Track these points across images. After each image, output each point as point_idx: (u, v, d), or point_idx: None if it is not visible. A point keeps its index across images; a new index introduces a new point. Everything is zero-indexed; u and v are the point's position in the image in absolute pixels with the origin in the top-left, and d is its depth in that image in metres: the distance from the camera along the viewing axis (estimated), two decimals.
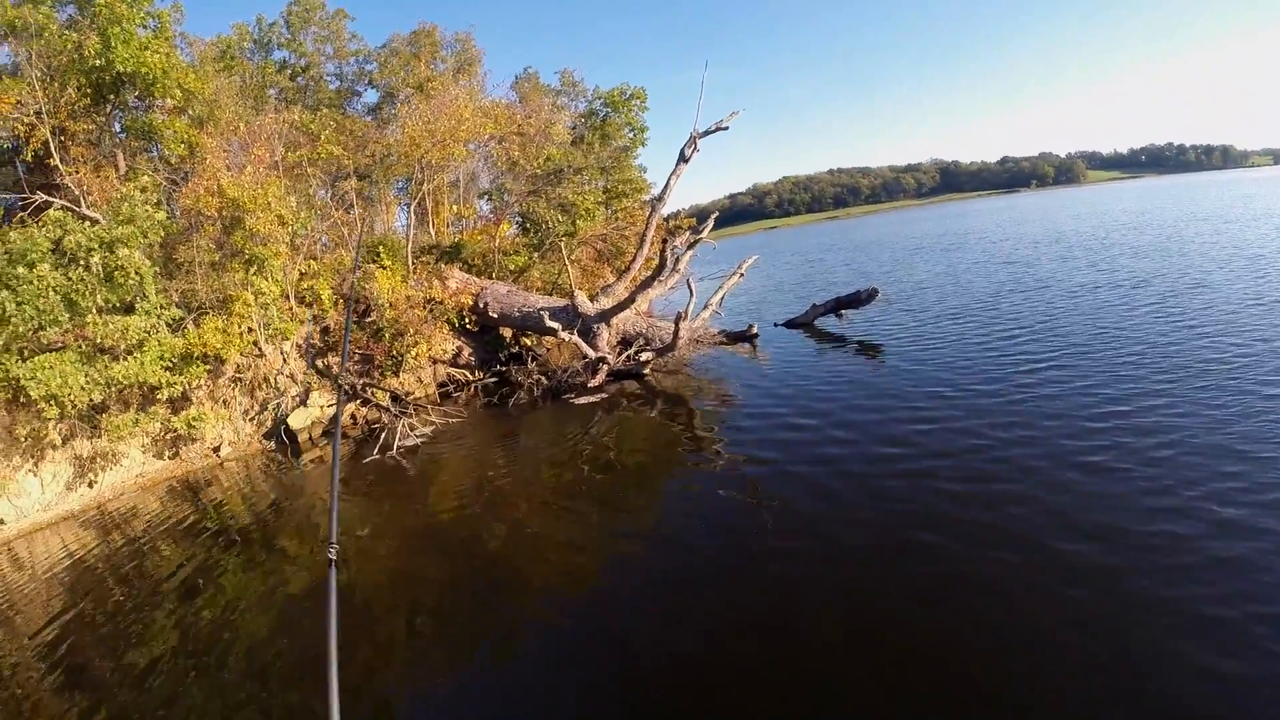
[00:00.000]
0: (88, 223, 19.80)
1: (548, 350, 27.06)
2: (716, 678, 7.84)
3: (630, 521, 12.54)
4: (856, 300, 25.11)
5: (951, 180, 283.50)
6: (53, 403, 17.71)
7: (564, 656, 8.77)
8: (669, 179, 25.90)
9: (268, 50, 41.13)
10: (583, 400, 20.73)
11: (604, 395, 21.03)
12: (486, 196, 41.52)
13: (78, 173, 22.65)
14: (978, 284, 31.39)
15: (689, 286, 23.61)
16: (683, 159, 25.46)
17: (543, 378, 22.57)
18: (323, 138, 29.39)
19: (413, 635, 9.97)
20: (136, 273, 19.32)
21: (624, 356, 23.03)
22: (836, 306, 25.72)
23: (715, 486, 13.15)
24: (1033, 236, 52.34)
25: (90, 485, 19.64)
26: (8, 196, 21.84)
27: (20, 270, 17.62)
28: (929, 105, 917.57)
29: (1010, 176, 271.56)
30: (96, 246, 18.75)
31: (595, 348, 22.63)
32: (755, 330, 25.08)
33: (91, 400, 18.59)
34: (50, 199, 21.73)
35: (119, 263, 18.93)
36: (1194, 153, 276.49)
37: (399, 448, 18.69)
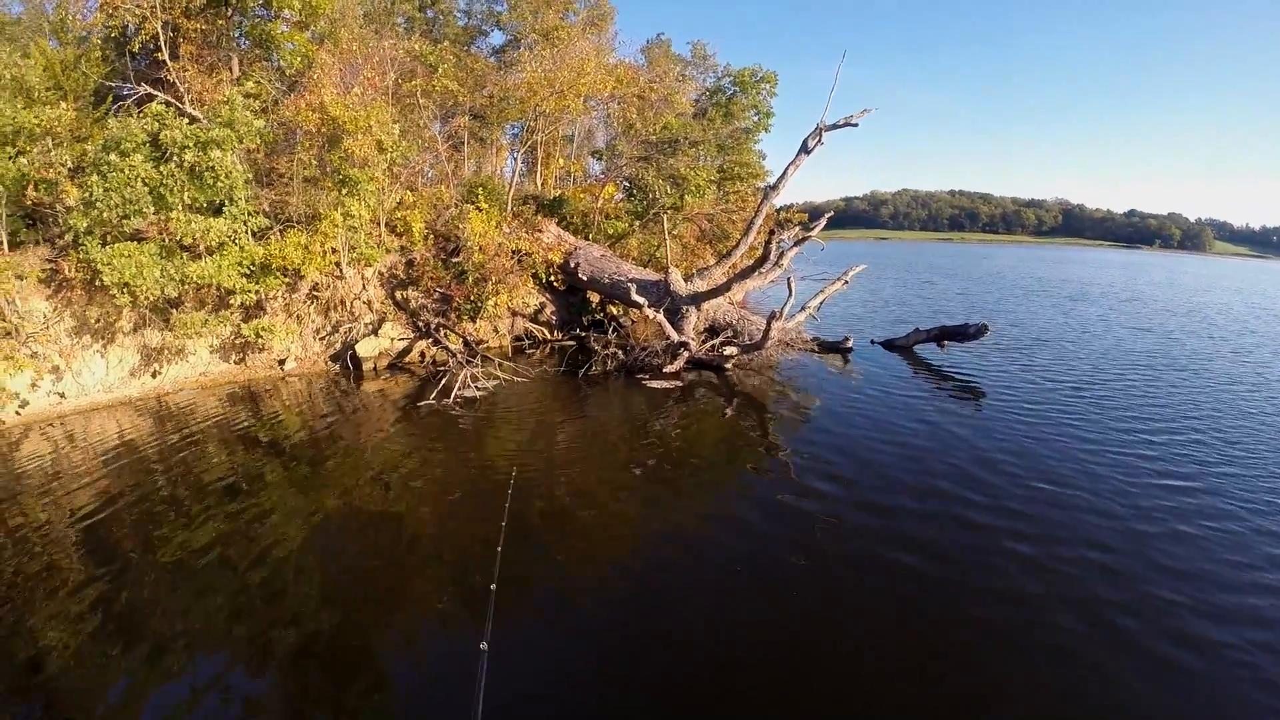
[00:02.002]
0: (186, 120, 19.60)
1: (632, 323, 25.93)
2: (730, 684, 7.87)
3: (678, 518, 11.91)
4: (964, 333, 23.18)
5: (1073, 224, 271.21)
6: (125, 291, 17.75)
7: (579, 632, 8.83)
8: (787, 168, 24.38)
9: None
10: (655, 384, 19.59)
11: (678, 383, 19.84)
12: (597, 156, 40.55)
13: (185, 70, 22.37)
14: (1101, 345, 27.84)
15: (789, 284, 22.08)
16: (805, 150, 23.91)
17: (619, 351, 21.40)
18: (440, 71, 28.70)
19: (432, 581, 9.95)
20: (227, 176, 19.11)
21: (708, 346, 21.76)
22: (941, 336, 23.88)
23: (773, 501, 12.46)
24: (1163, 301, 47.95)
25: (154, 375, 19.70)
26: (116, 85, 21.62)
27: (113, 158, 17.69)
28: (1059, 141, 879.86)
29: (1134, 231, 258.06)
30: (191, 145, 18.61)
31: (680, 331, 21.40)
32: (850, 344, 23.51)
33: (165, 294, 18.62)
34: (154, 93, 21.57)
35: (210, 163, 18.74)
36: None
37: (457, 397, 17.92)
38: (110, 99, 21.38)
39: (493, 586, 7.46)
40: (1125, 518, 11.52)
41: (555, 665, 8.19)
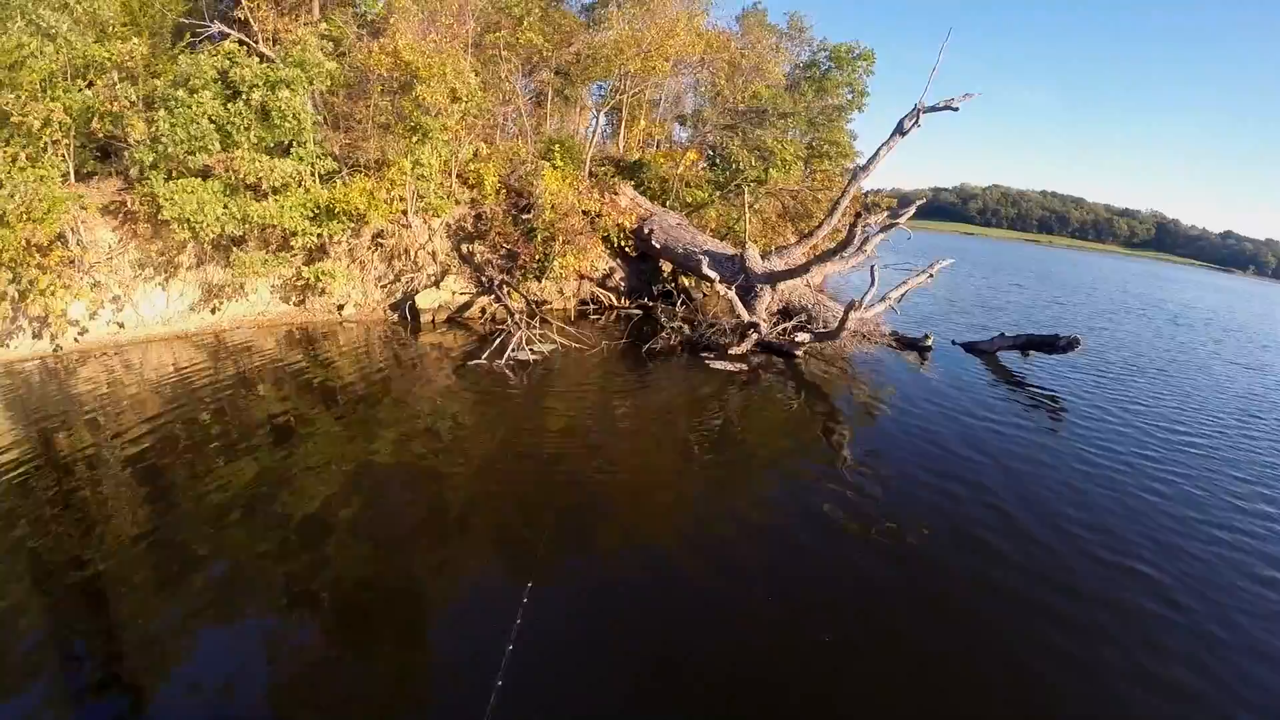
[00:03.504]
0: (258, 60, 19.28)
1: (704, 296, 24.95)
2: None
3: (730, 510, 11.36)
4: (1052, 344, 21.32)
5: (1166, 239, 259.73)
6: (185, 226, 17.54)
7: (611, 617, 8.43)
8: (879, 149, 22.87)
9: None
10: (719, 364, 18.47)
11: (744, 366, 18.65)
12: (682, 122, 39.43)
13: (258, 9, 21.87)
14: (1206, 381, 24.34)
15: (872, 274, 20.76)
16: (900, 131, 22.37)
17: (685, 326, 20.38)
18: (525, 24, 27.84)
19: (472, 546, 9.89)
20: (295, 117, 18.82)
21: (779, 329, 20.57)
22: (1028, 344, 22.12)
23: (831, 502, 11.62)
24: (1264, 337, 41.94)
25: (213, 312, 19.63)
26: (195, 23, 21.29)
27: (180, 93, 17.61)
28: (1156, 150, 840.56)
29: (1229, 253, 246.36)
30: (260, 84, 18.39)
31: (752, 310, 20.29)
32: (930, 342, 22.07)
33: (226, 232, 18.36)
34: (228, 31, 21.26)
35: (278, 103, 18.46)
36: None
37: (510, 359, 17.18)
38: (188, 36, 21.02)
39: (529, 584, 7.44)
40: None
41: (589, 653, 7.85)
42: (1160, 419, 17.94)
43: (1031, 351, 22.30)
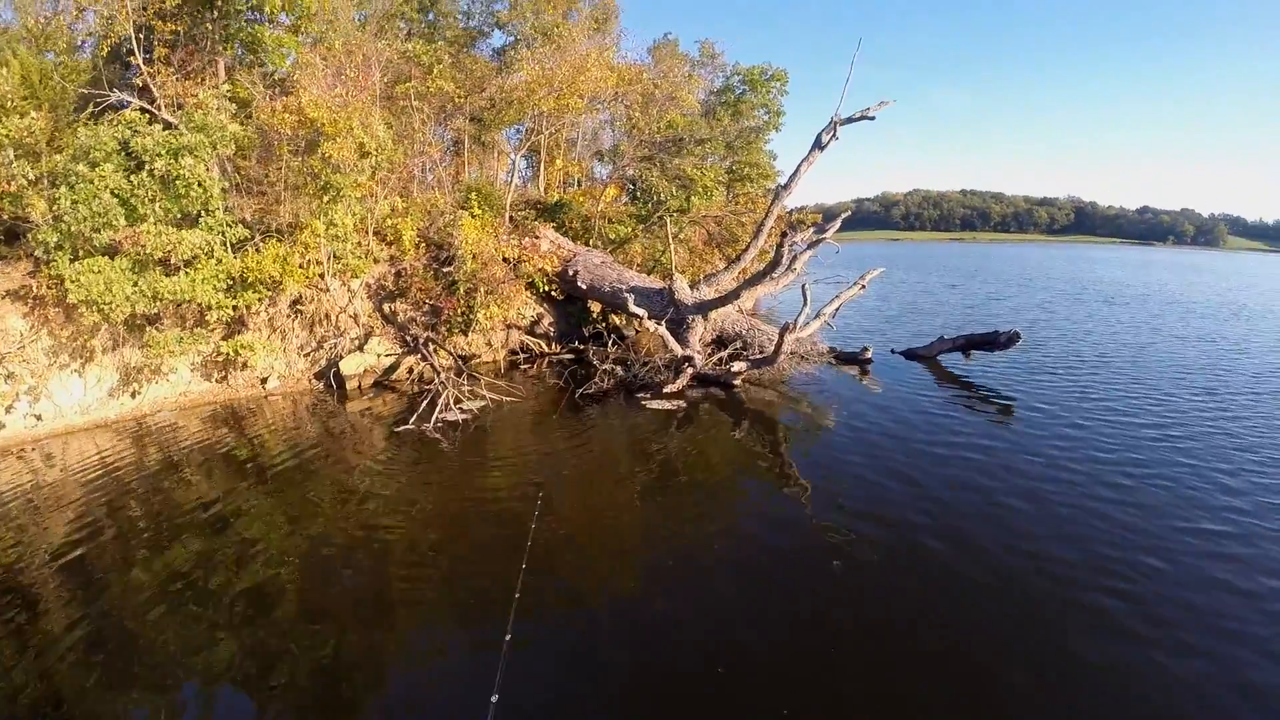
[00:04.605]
0: (160, 126, 18.65)
1: (637, 333, 24.48)
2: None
3: (688, 547, 11.05)
4: (993, 342, 21.36)
5: (1086, 222, 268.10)
6: (94, 309, 16.85)
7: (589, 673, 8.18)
8: (800, 165, 22.83)
9: None
10: (655, 404, 17.96)
11: (682, 404, 18.18)
12: (600, 158, 39.32)
13: (158, 74, 21.18)
14: (1156, 357, 24.56)
15: (803, 293, 20.52)
16: (818, 145, 22.35)
17: (618, 368, 19.83)
18: (435, 71, 27.44)
19: (427, 614, 9.49)
20: (200, 185, 18.15)
21: (715, 359, 20.21)
22: (968, 345, 22.16)
23: (786, 535, 11.37)
24: (1204, 307, 42.28)
25: (133, 396, 18.75)
26: (100, 94, 20.55)
27: (81, 168, 16.95)
28: (1071, 138, 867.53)
29: (1147, 228, 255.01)
30: (163, 152, 17.69)
31: (685, 343, 19.88)
32: (869, 355, 21.93)
33: (136, 311, 17.63)
34: (128, 99, 20.57)
35: (182, 171, 17.75)
36: None
37: (438, 420, 16.45)
38: (91, 106, 20.28)
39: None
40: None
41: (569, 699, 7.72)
42: (1109, 407, 17.79)
43: (973, 351, 22.29)
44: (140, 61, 21.26)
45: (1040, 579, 9.54)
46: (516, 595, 8.32)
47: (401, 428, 16.35)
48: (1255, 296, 50.02)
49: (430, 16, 39.36)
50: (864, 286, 24.32)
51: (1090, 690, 7.52)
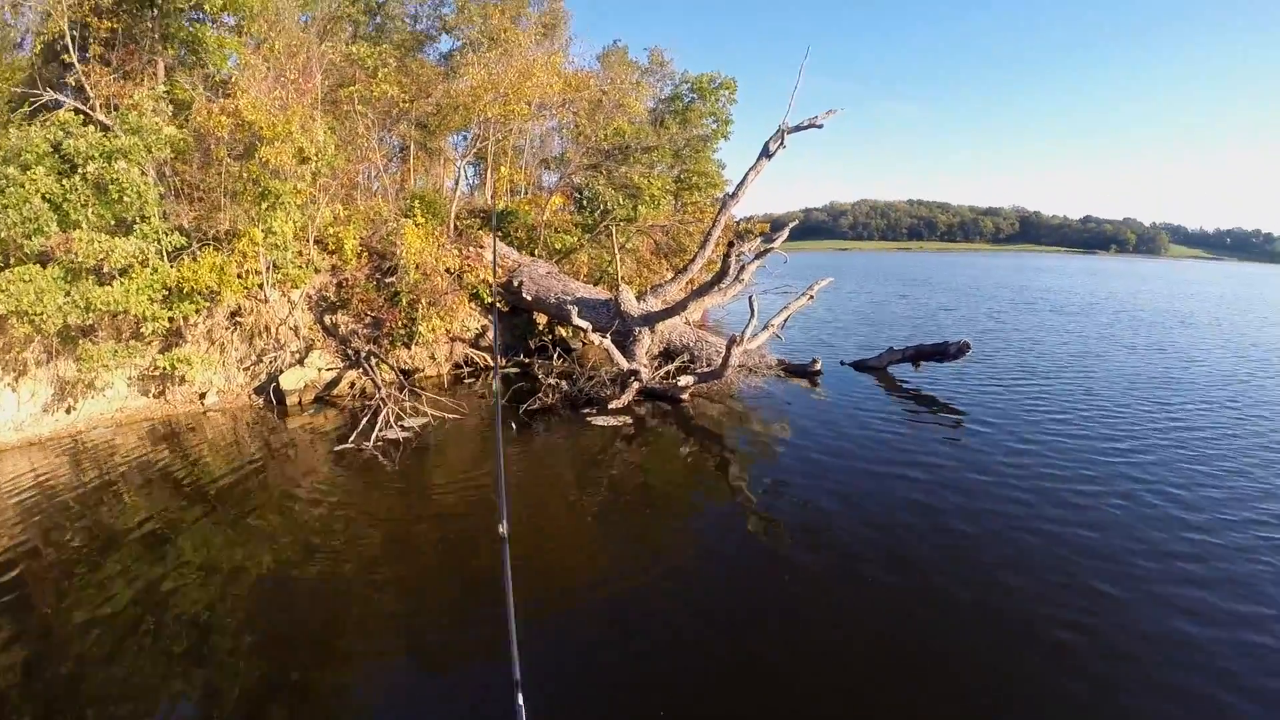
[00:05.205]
0: (93, 128, 17.90)
1: (584, 346, 24.18)
2: None
3: (643, 564, 10.89)
4: (943, 352, 21.57)
5: (1030, 231, 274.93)
6: (24, 320, 16.10)
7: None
8: (747, 173, 22.76)
9: None
10: (601, 421, 17.65)
11: (627, 420, 17.90)
12: (547, 166, 39.04)
13: (92, 74, 20.48)
14: (1108, 367, 24.77)
15: (750, 305, 20.44)
16: (766, 154, 22.31)
17: (563, 382, 19.52)
18: (380, 75, 26.94)
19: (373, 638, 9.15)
20: (135, 190, 17.50)
21: (662, 372, 20.05)
22: (918, 356, 22.33)
23: (741, 552, 11.34)
24: (1152, 315, 43.37)
25: (68, 412, 18.08)
26: (25, 91, 19.80)
27: (11, 171, 16.14)
28: (1014, 148, 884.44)
29: (1090, 237, 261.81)
30: (96, 155, 17.03)
31: (632, 356, 19.67)
32: (819, 366, 21.98)
33: (68, 323, 16.91)
34: (61, 99, 19.82)
35: (114, 176, 17.11)
36: None
37: (379, 439, 15.99)
38: (26, 105, 19.58)
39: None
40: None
41: None
42: (1061, 420, 17.77)
43: (923, 362, 22.44)
44: (75, 60, 20.54)
45: (989, 611, 9.16)
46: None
47: (341, 447, 15.89)
48: (1200, 304, 51.56)
49: (377, 19, 38.83)
50: (813, 297, 24.36)
51: None
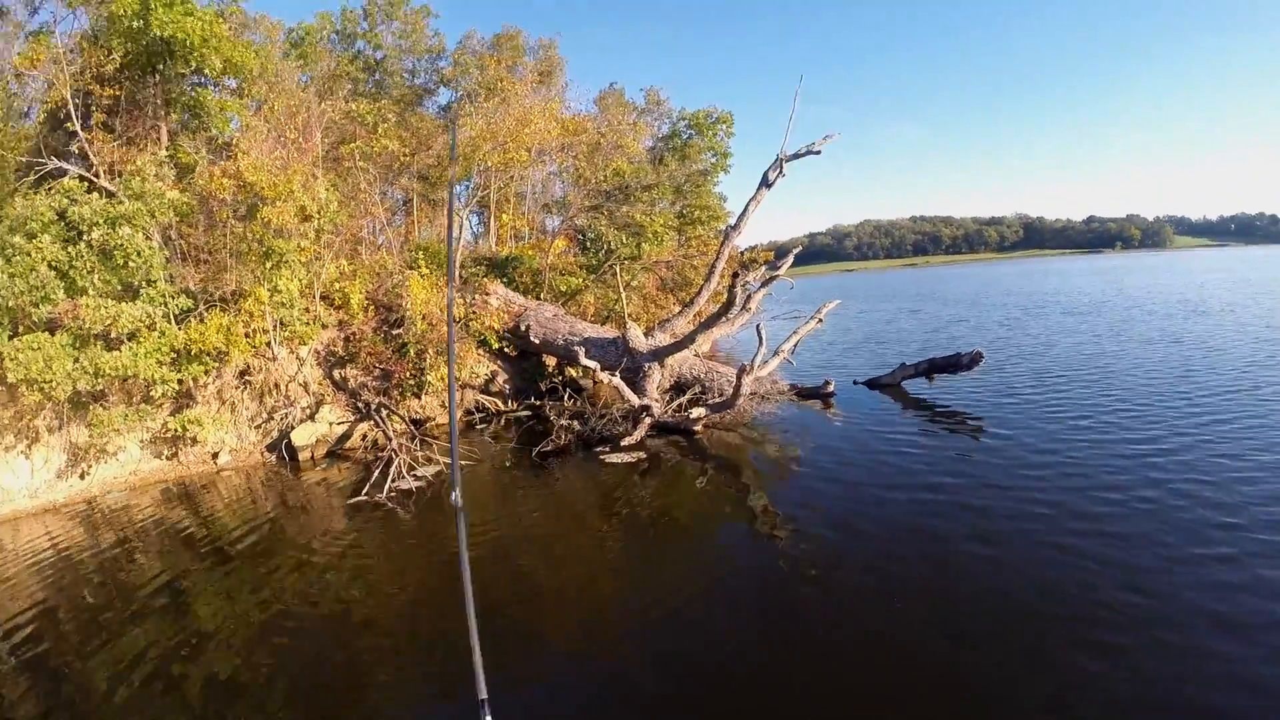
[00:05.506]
0: (97, 194, 18.22)
1: (594, 385, 24.09)
2: None
3: (669, 597, 10.45)
4: (956, 364, 21.35)
5: (1035, 236, 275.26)
6: (33, 388, 16.25)
7: None
8: (748, 204, 22.82)
9: (350, 41, 39.70)
10: (615, 458, 17.40)
11: (641, 455, 17.63)
12: (548, 210, 39.31)
13: (95, 141, 20.84)
14: (1125, 365, 23.72)
15: (758, 333, 20.32)
16: (765, 184, 22.39)
17: (575, 422, 19.36)
18: (380, 130, 27.27)
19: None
20: (139, 254, 17.75)
21: (674, 406, 19.88)
22: (931, 369, 22.09)
23: (763, 581, 10.82)
24: (1165, 307, 42.09)
25: (82, 477, 18.21)
26: (30, 160, 20.15)
27: (17, 240, 16.52)
28: (1016, 158, 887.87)
29: (1095, 236, 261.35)
30: (100, 221, 17.34)
31: (642, 392, 19.53)
32: (831, 388, 21.68)
33: (77, 389, 17.06)
34: (66, 167, 20.09)
35: (119, 241, 17.34)
36: None
37: (393, 489, 15.78)
38: (32, 174, 20.03)
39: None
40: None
41: None
42: (1080, 425, 16.99)
43: (936, 376, 22.19)
44: (79, 127, 20.98)
45: (1011, 640, 8.48)
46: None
47: (355, 499, 15.75)
48: (1212, 292, 50.38)
49: (376, 76, 39.45)
50: (821, 320, 24.29)
51: None
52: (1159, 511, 11.47)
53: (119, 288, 18.04)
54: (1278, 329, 29.76)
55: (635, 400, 18.86)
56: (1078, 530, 11.11)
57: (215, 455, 19.81)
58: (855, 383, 23.78)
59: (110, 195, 18.91)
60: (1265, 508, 11.25)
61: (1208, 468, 13.19)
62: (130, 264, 17.73)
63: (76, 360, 16.84)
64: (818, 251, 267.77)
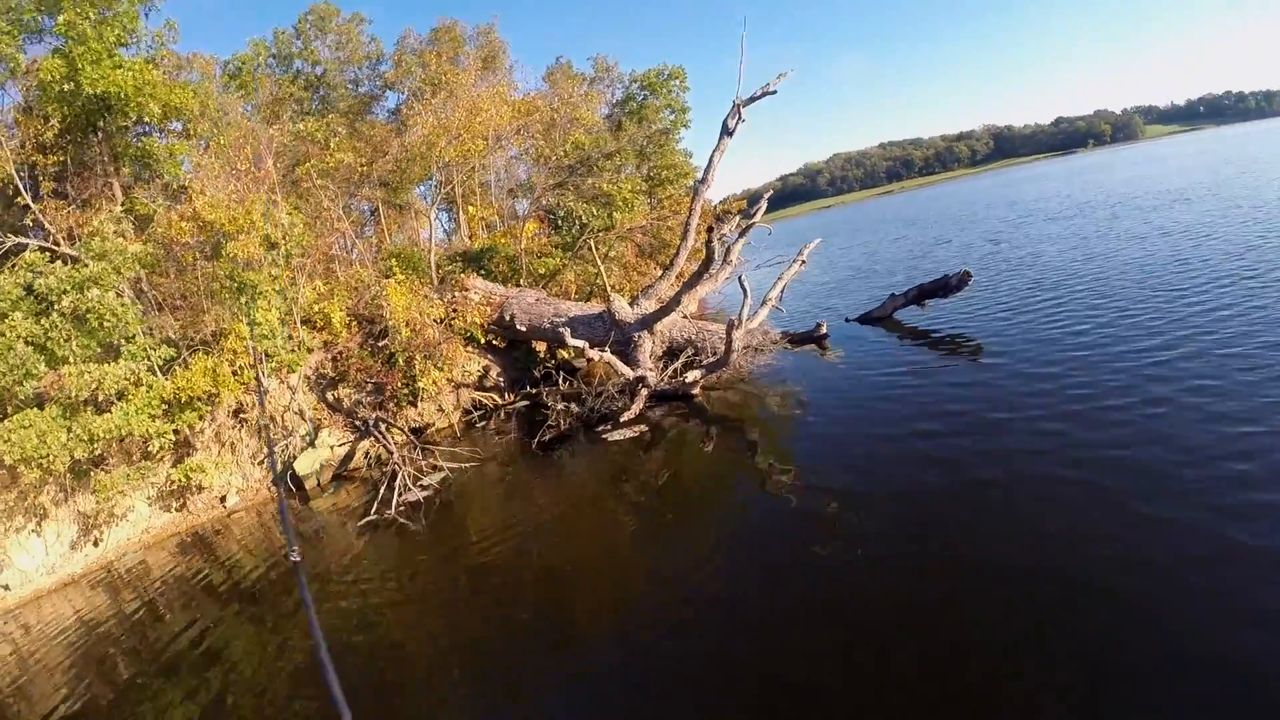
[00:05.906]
0: (60, 262, 18.02)
1: (588, 363, 23.87)
2: None
3: (693, 567, 10.38)
4: (945, 287, 20.93)
5: (1006, 146, 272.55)
6: (31, 465, 16.17)
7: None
8: (712, 155, 22.47)
9: (288, 63, 39.23)
10: (616, 435, 17.18)
11: (643, 428, 17.43)
12: (514, 195, 38.98)
13: (48, 209, 20.61)
14: (1117, 265, 22.81)
15: (741, 284, 20.03)
16: (726, 132, 22.05)
17: (572, 405, 19.17)
18: (332, 145, 26.90)
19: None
20: (113, 314, 17.57)
21: (668, 373, 19.64)
22: (920, 296, 21.72)
23: (783, 537, 10.62)
24: (1146, 199, 40.95)
25: (95, 544, 18.15)
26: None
27: None
28: (979, 70, 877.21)
29: (1065, 137, 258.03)
30: (68, 288, 17.18)
31: (635, 363, 19.31)
32: (824, 330, 21.25)
33: (75, 458, 16.97)
34: (24, 241, 19.86)
35: (89, 304, 17.14)
36: (1254, 99, 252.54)
37: (399, 504, 15.48)
38: None
39: None
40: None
41: None
42: (1073, 330, 16.62)
43: (928, 302, 21.88)
44: (29, 200, 20.69)
45: (1033, 568, 8.18)
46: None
47: (365, 520, 15.56)
48: (1194, 178, 48.89)
49: (320, 92, 39.04)
50: (804, 261, 24.04)
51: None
52: (1165, 413, 11.05)
53: (99, 350, 17.89)
54: (1266, 206, 29.17)
55: (629, 373, 18.65)
56: (1086, 442, 10.73)
57: (223, 499, 19.73)
58: (847, 320, 23.47)
59: (74, 260, 18.72)
60: (1267, 392, 10.88)
61: (1207, 360, 12.74)
62: (105, 324, 17.57)
63: (69, 430, 16.71)
64: (792, 193, 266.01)
